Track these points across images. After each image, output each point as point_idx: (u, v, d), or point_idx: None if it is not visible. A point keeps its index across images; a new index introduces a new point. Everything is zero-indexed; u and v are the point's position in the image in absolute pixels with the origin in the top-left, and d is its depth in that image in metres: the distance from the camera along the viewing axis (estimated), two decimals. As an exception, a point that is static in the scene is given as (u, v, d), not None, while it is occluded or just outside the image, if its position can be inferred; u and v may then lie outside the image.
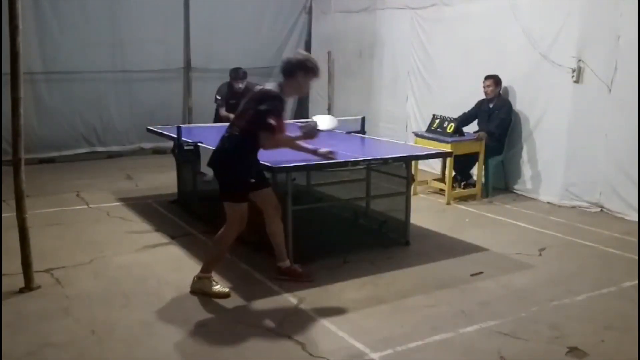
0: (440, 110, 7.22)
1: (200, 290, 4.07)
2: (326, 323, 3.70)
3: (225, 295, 4.03)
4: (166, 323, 3.68)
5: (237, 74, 7.62)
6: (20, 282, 4.12)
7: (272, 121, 3.86)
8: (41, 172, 7.99)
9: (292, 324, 3.68)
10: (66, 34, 8.81)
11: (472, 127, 7.20)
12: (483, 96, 7.14)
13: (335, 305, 3.97)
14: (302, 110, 10.73)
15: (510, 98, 7.15)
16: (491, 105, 7.08)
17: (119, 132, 9.45)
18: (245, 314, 3.81)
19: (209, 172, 5.16)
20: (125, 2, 9.12)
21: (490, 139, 6.91)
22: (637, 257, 4.91)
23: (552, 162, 6.77)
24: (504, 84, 7.11)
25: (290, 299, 4.05)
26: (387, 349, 3.38)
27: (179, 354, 3.33)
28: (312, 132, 4.23)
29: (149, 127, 6.92)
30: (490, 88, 7.03)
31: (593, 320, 3.79)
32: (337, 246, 4.95)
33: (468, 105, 7.25)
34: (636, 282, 4.40)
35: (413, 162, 6.13)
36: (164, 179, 7.41)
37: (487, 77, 7.04)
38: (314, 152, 4.41)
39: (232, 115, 6.74)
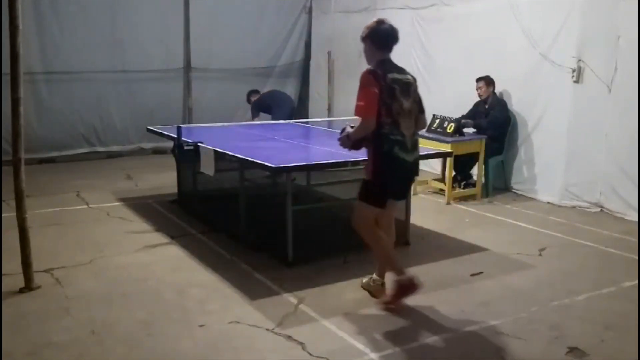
0: (440, 110, 7.21)
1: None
2: (326, 323, 3.70)
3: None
4: (166, 323, 3.68)
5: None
6: (20, 282, 4.12)
7: None
8: (41, 172, 7.99)
9: (292, 324, 3.68)
10: (66, 34, 8.81)
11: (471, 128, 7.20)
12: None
13: (335, 305, 3.97)
14: (302, 110, 10.75)
15: (510, 98, 7.16)
16: (487, 106, 7.09)
17: (119, 132, 9.45)
18: (245, 314, 3.81)
19: (209, 172, 5.19)
20: (125, 2, 9.11)
21: (490, 139, 6.92)
22: (637, 257, 4.92)
23: (552, 162, 6.77)
24: (504, 84, 7.12)
25: (290, 299, 4.05)
26: (387, 349, 3.38)
27: (179, 354, 3.33)
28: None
29: (149, 127, 6.93)
30: (483, 89, 7.06)
31: (593, 320, 3.79)
32: (337, 246, 4.95)
33: (468, 105, 7.24)
34: (636, 282, 4.41)
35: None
36: (164, 179, 7.41)
37: (478, 79, 7.08)
38: None
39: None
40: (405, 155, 3.73)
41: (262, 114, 8.46)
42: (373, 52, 3.82)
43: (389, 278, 4.01)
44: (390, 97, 3.66)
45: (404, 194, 4.10)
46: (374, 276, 4.10)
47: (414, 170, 3.87)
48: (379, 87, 3.63)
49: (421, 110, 3.96)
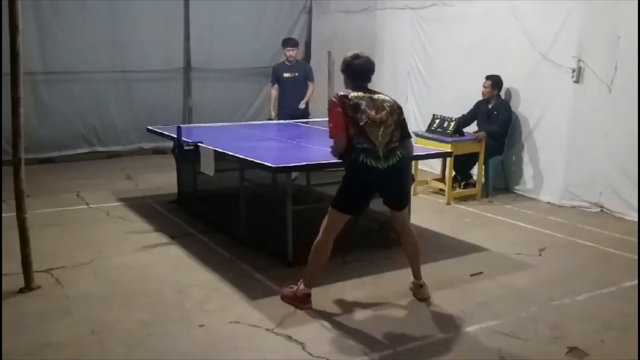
0: (440, 110, 7.22)
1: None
2: (326, 323, 3.70)
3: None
4: (166, 323, 3.68)
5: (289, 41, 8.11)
6: (20, 282, 4.12)
7: None
8: (41, 172, 7.99)
9: (292, 324, 3.68)
10: (66, 34, 8.81)
11: (471, 128, 7.19)
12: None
13: (335, 305, 3.97)
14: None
15: (510, 98, 7.16)
16: (490, 106, 7.08)
17: (119, 132, 9.45)
18: (245, 314, 3.81)
19: (209, 172, 5.18)
20: (125, 2, 9.11)
21: (490, 139, 6.91)
22: (637, 257, 4.91)
23: (552, 162, 6.77)
24: (504, 84, 7.10)
25: (290, 299, 4.05)
26: (387, 349, 3.38)
27: (179, 354, 3.33)
28: None
29: (149, 127, 6.92)
30: (488, 89, 7.02)
31: (593, 320, 3.79)
32: (337, 246, 4.94)
33: (468, 105, 7.24)
34: (636, 282, 4.41)
35: (413, 162, 6.13)
36: (164, 179, 7.41)
37: (487, 77, 7.03)
38: None
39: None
40: (375, 162, 3.81)
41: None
42: (348, 83, 4.06)
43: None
44: (354, 110, 3.83)
45: (393, 201, 4.11)
46: (412, 279, 4.17)
47: (389, 175, 3.89)
48: (341, 106, 3.84)
49: (406, 136, 4.05)
